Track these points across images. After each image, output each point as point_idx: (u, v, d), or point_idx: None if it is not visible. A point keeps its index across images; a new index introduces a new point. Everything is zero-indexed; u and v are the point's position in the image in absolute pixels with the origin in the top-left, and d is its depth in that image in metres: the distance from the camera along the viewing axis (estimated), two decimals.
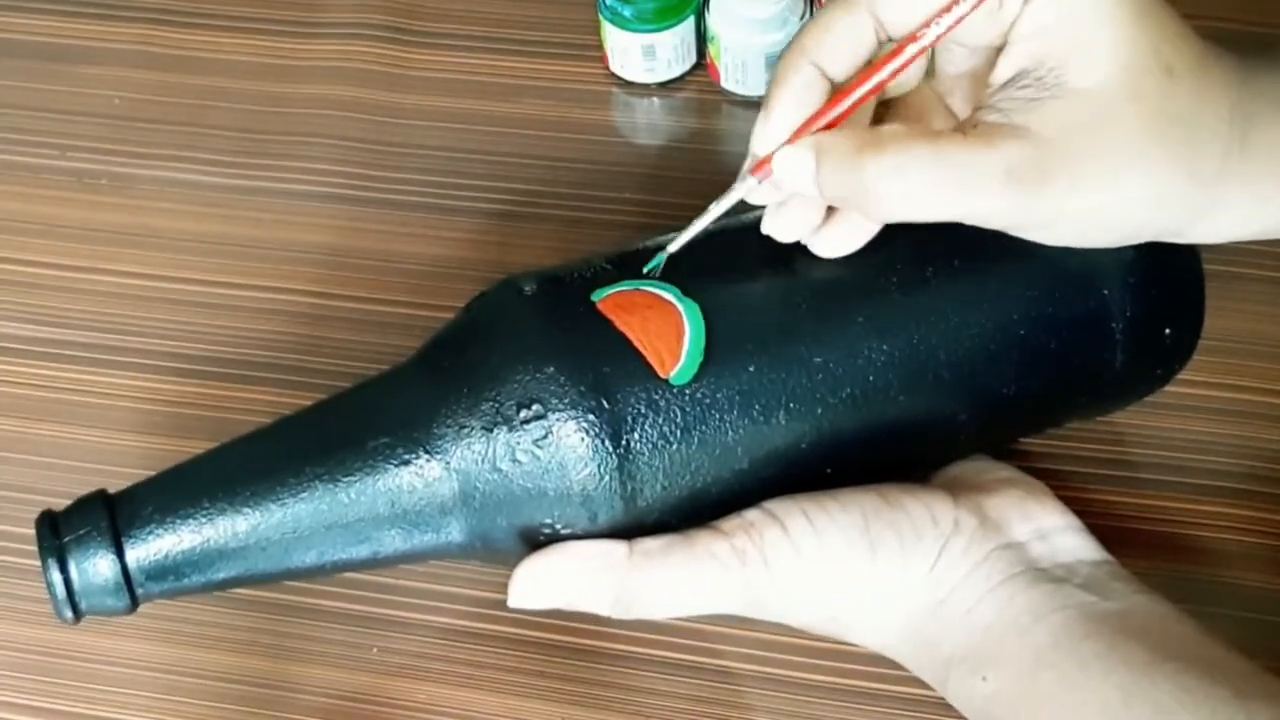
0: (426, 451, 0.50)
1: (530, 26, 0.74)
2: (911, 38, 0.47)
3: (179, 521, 0.49)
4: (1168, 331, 0.54)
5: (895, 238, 0.50)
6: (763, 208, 0.51)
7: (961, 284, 0.52)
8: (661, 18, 0.69)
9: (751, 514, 0.50)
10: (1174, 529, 0.58)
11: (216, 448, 0.52)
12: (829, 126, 0.48)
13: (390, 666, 0.57)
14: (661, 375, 0.49)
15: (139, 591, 0.50)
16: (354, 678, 0.57)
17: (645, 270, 0.51)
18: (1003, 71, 0.47)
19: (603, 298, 0.51)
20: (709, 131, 0.72)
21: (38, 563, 0.49)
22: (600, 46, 0.72)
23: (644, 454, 0.49)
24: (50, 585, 0.49)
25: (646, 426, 0.49)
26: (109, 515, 0.49)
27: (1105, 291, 0.52)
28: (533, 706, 0.56)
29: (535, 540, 0.50)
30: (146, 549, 0.49)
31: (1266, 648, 0.52)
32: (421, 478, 0.50)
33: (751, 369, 0.50)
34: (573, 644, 0.57)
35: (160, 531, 0.49)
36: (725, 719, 0.55)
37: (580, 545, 0.50)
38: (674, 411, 0.49)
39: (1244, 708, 0.45)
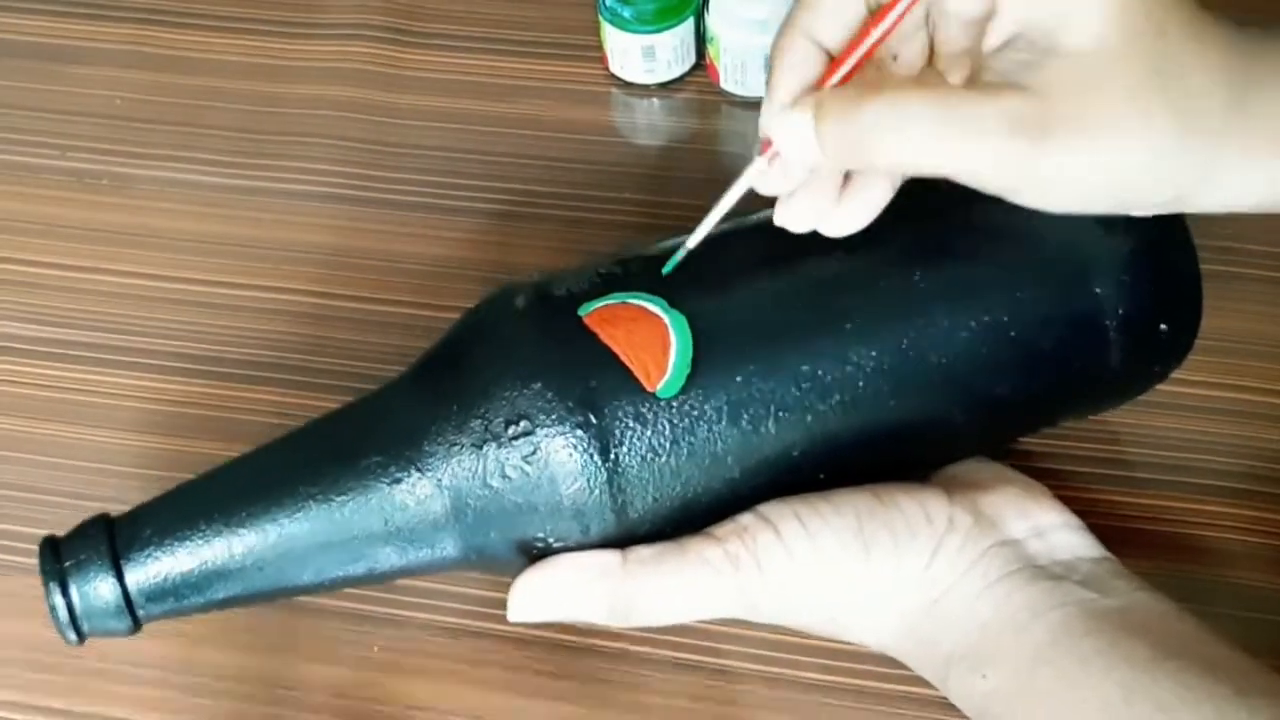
0: (418, 469, 0.50)
1: (530, 27, 0.74)
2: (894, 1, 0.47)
3: (177, 544, 0.50)
4: (1163, 328, 0.54)
5: (883, 242, 0.50)
6: (750, 214, 0.51)
7: (951, 286, 0.52)
8: (661, 19, 0.69)
9: (744, 518, 0.50)
10: (1174, 529, 0.58)
11: (213, 469, 0.52)
12: None
13: (392, 665, 0.57)
14: (648, 388, 0.49)
15: (140, 613, 0.50)
16: (356, 676, 0.57)
17: (664, 271, 0.51)
18: (995, 37, 0.46)
19: (589, 312, 0.51)
20: (708, 132, 0.72)
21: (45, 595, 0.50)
22: (600, 47, 0.72)
23: (633, 467, 0.49)
24: (53, 609, 0.50)
25: (634, 440, 0.49)
26: (109, 539, 0.50)
27: (1098, 290, 0.52)
28: (534, 704, 0.56)
29: (529, 553, 0.51)
30: (146, 572, 0.50)
31: (1268, 647, 0.52)
32: (414, 495, 0.50)
33: (739, 379, 0.50)
34: (574, 642, 0.57)
35: (159, 554, 0.50)
36: (724, 716, 0.55)
37: (574, 557, 0.50)
38: (662, 424, 0.50)
39: (1245, 705, 0.45)
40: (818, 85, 0.48)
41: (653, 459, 0.50)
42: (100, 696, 0.57)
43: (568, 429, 0.49)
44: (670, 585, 0.50)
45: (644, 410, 0.49)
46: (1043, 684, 0.48)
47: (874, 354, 0.51)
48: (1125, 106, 0.45)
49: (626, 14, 0.69)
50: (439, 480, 0.50)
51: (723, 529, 0.50)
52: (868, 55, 0.47)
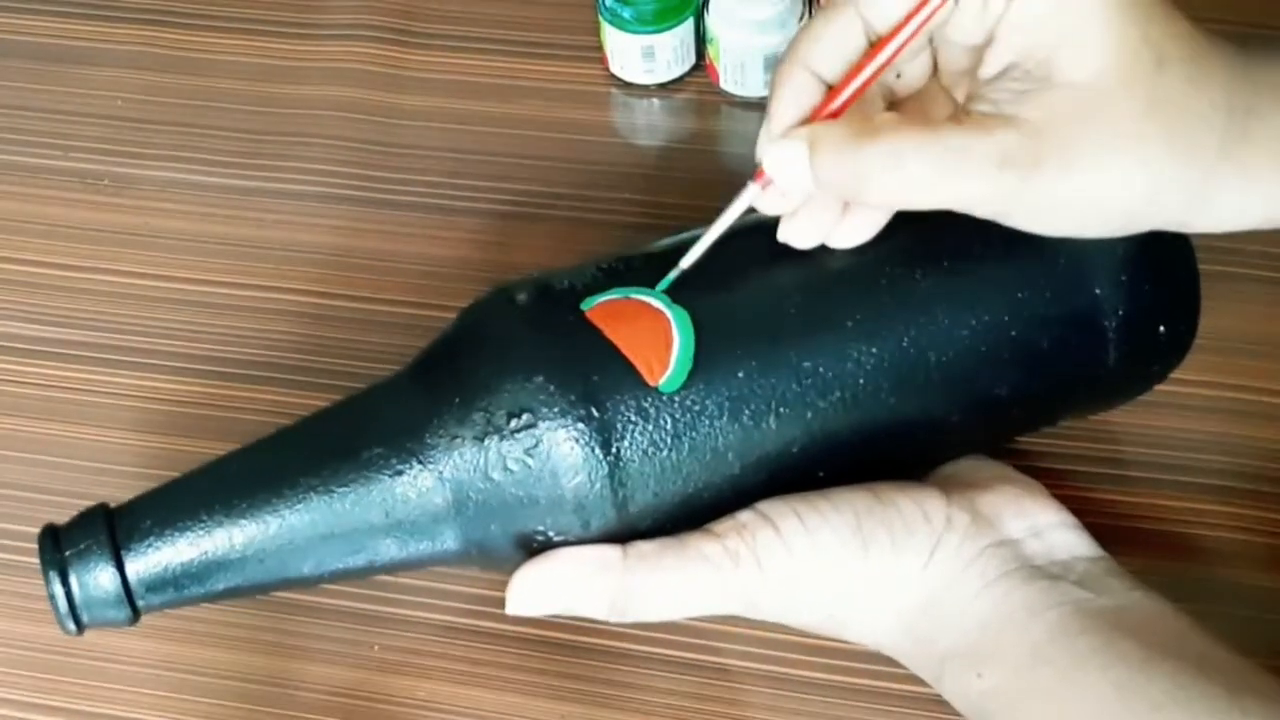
0: (419, 461, 0.50)
1: (530, 28, 0.75)
2: (893, 33, 0.47)
3: (177, 534, 0.50)
4: (1162, 329, 0.54)
5: (884, 240, 0.50)
6: (753, 213, 0.51)
7: (952, 285, 0.52)
8: (661, 19, 0.69)
9: (744, 515, 0.51)
10: (1172, 528, 0.58)
11: (214, 460, 0.52)
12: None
13: (391, 663, 0.57)
14: (651, 383, 0.50)
15: (140, 603, 0.50)
16: (355, 674, 0.57)
17: (659, 288, 0.51)
18: (991, 65, 0.47)
19: (592, 306, 0.51)
20: (708, 132, 0.72)
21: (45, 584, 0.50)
22: (600, 48, 0.72)
23: (634, 461, 0.50)
24: (53, 598, 0.50)
25: (636, 434, 0.49)
26: (109, 529, 0.50)
27: (1097, 290, 0.52)
28: (532, 703, 0.56)
29: (529, 547, 0.51)
30: (146, 562, 0.50)
31: (1264, 646, 0.52)
32: (415, 487, 0.50)
33: (741, 375, 0.50)
34: (573, 641, 0.57)
35: (159, 544, 0.50)
36: (724, 716, 0.56)
37: (574, 551, 0.50)
38: (664, 419, 0.50)
39: (1238, 704, 0.45)
40: (814, 115, 0.48)
41: (654, 453, 0.50)
42: (100, 696, 0.57)
43: (570, 422, 0.49)
44: (670, 581, 0.50)
45: (646, 405, 0.50)
46: (1039, 683, 0.48)
47: (875, 351, 0.51)
48: (1117, 138, 0.45)
49: (626, 14, 0.69)
50: (440, 472, 0.50)
51: (722, 525, 0.50)
52: (864, 87, 0.48)
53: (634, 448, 0.49)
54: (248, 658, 0.57)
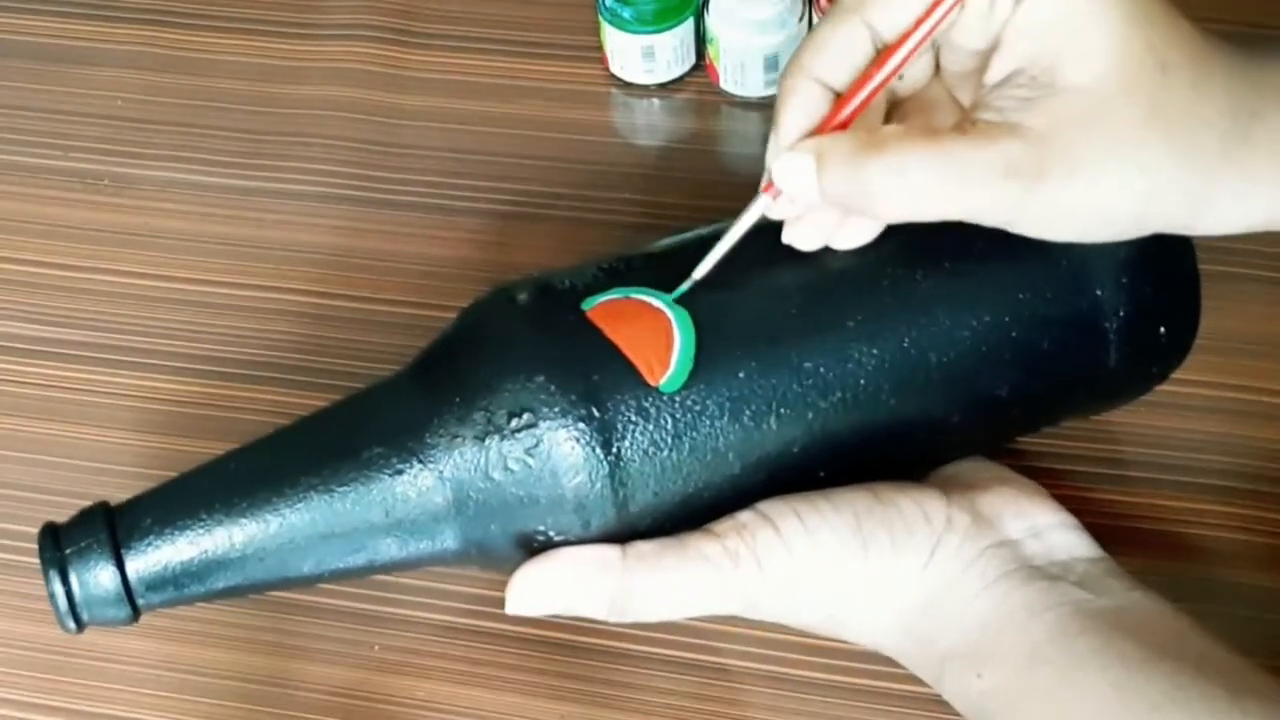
0: (420, 461, 0.50)
1: (530, 28, 0.75)
2: (900, 42, 0.47)
3: (178, 533, 0.50)
4: (1162, 330, 0.54)
5: (885, 241, 0.50)
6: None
7: (952, 285, 0.52)
8: (661, 19, 0.69)
9: (744, 515, 0.51)
10: (1172, 528, 0.58)
11: (215, 459, 0.52)
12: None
13: (391, 663, 0.57)
14: (651, 383, 0.50)
15: (140, 602, 0.50)
16: (355, 674, 0.57)
17: (671, 298, 0.51)
18: (996, 71, 0.47)
19: (593, 306, 0.51)
20: (708, 132, 0.72)
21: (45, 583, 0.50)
22: (600, 48, 0.72)
23: (635, 461, 0.50)
24: (53, 597, 0.50)
25: (637, 434, 0.49)
26: (109, 527, 0.50)
27: (1098, 291, 0.52)
28: (532, 703, 0.56)
29: (529, 547, 0.51)
30: (146, 560, 0.50)
31: (1264, 646, 0.52)
32: (415, 487, 0.50)
33: (741, 375, 0.50)
34: (573, 641, 0.57)
35: (159, 543, 0.50)
36: (724, 716, 0.56)
37: (574, 551, 0.50)
38: (664, 419, 0.50)
39: (1237, 704, 0.45)
40: (823, 125, 0.48)
41: (654, 453, 0.50)
42: (100, 696, 0.57)
43: (570, 422, 0.49)
44: (670, 581, 0.50)
45: (646, 405, 0.50)
46: (1039, 683, 0.48)
47: (875, 352, 0.51)
48: (1120, 144, 0.46)
49: (626, 14, 0.69)
50: (441, 472, 0.50)
51: (722, 525, 0.50)
52: (871, 97, 0.48)
53: (634, 447, 0.49)
54: (248, 658, 0.57)
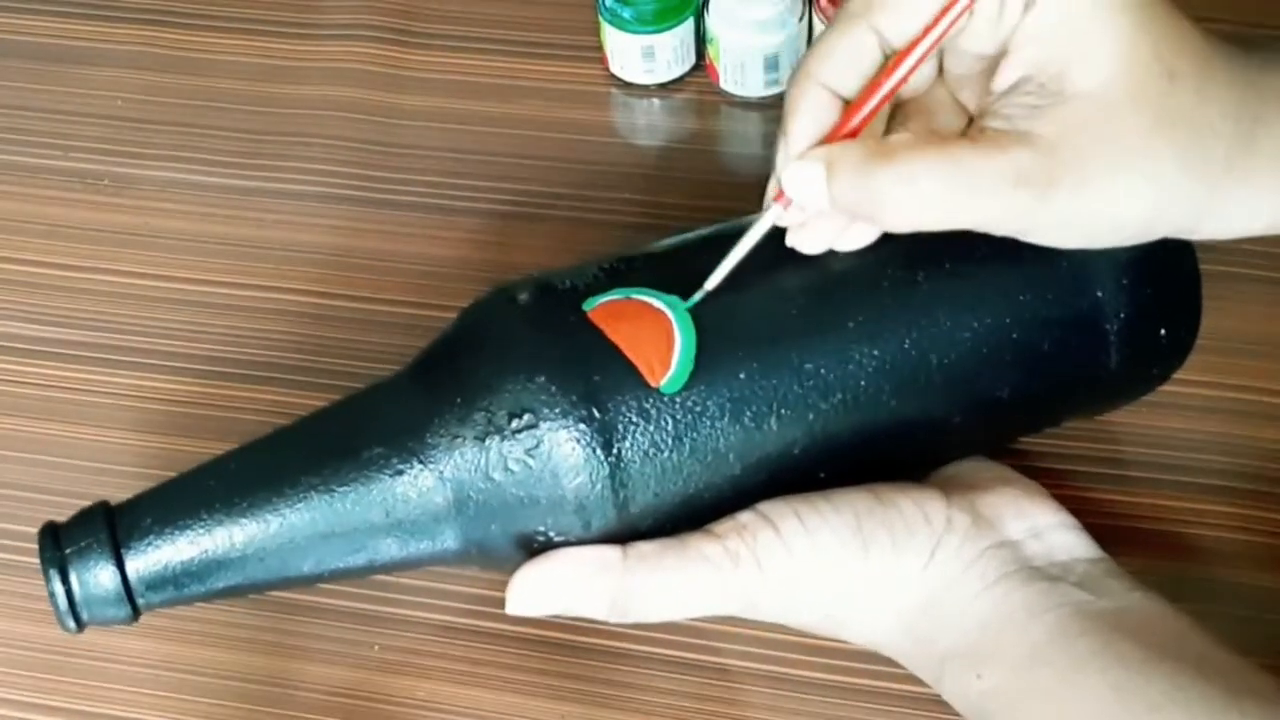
0: (420, 461, 0.50)
1: (530, 28, 0.75)
2: (910, 48, 0.47)
3: (178, 533, 0.50)
4: (1163, 332, 0.54)
5: (886, 243, 0.50)
6: (757, 215, 0.51)
7: (953, 287, 0.52)
8: (661, 19, 0.69)
9: (744, 516, 0.51)
10: (1172, 528, 0.58)
11: (215, 458, 0.52)
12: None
13: (391, 663, 0.57)
14: (652, 384, 0.50)
15: (140, 601, 0.50)
16: (355, 675, 0.57)
17: (686, 307, 0.51)
18: (1005, 78, 0.47)
19: (594, 306, 0.51)
20: (708, 132, 0.72)
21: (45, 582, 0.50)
22: (600, 48, 0.72)
23: (635, 462, 0.49)
24: (53, 596, 0.50)
25: (637, 435, 0.49)
26: (109, 527, 0.50)
27: (1099, 293, 0.52)
28: (532, 703, 0.56)
29: (530, 547, 0.51)
30: (146, 560, 0.50)
31: (1264, 646, 0.52)
32: (415, 487, 0.50)
33: (742, 376, 0.50)
34: (573, 641, 0.57)
35: (159, 543, 0.50)
36: (724, 716, 0.56)
37: (574, 551, 0.50)
38: (665, 420, 0.50)
39: (1237, 705, 0.45)
40: (833, 133, 0.48)
41: (655, 454, 0.50)
42: (100, 696, 0.57)
43: (571, 423, 0.49)
44: (670, 582, 0.50)
45: (647, 406, 0.50)
46: (1039, 684, 0.48)
47: (876, 353, 0.51)
48: (1129, 152, 0.46)
49: (626, 14, 0.69)
50: (441, 472, 0.50)
51: (722, 526, 0.50)
52: (881, 104, 0.48)
53: (635, 448, 0.49)
54: (248, 658, 0.57)
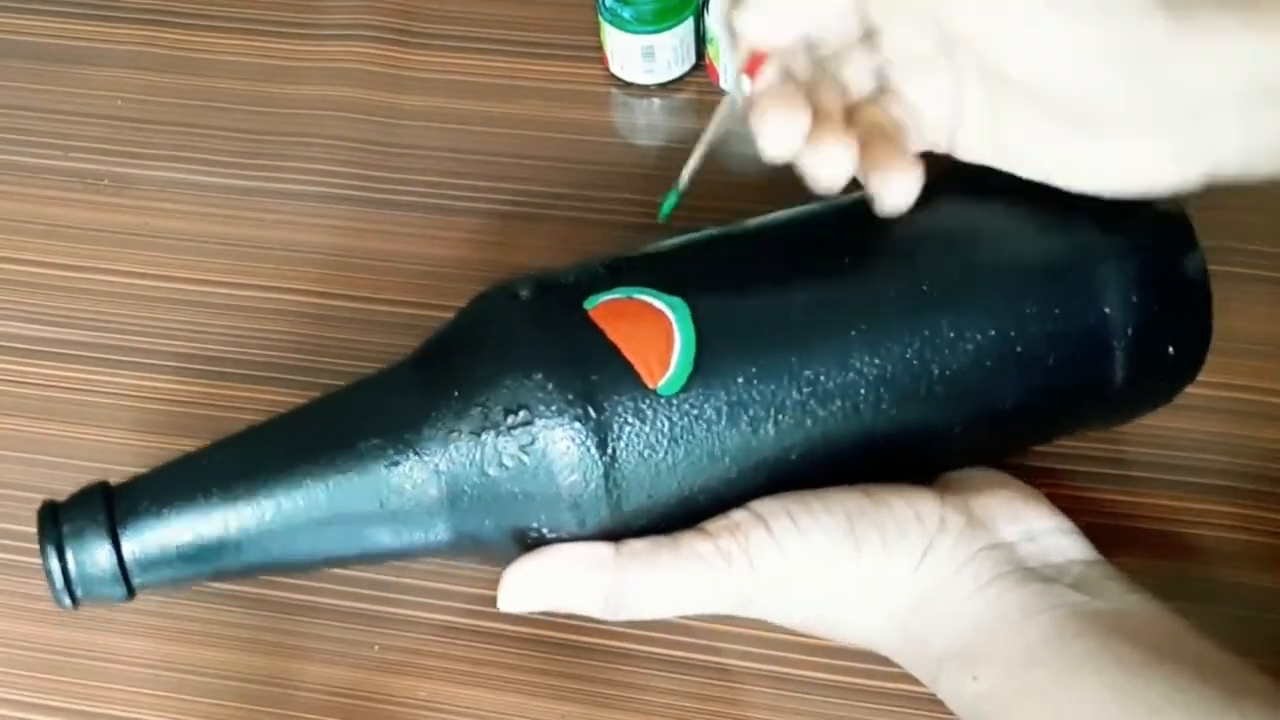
0: (415, 454, 0.50)
1: (530, 28, 0.75)
2: None
3: (173, 515, 0.50)
4: (1171, 350, 0.53)
5: (893, 251, 0.50)
6: (761, 217, 0.51)
7: (958, 299, 0.52)
8: (661, 19, 0.69)
9: (737, 515, 0.51)
10: (1173, 528, 0.58)
11: (214, 443, 0.52)
12: None
13: (391, 663, 0.57)
14: (650, 385, 0.50)
15: (135, 581, 0.50)
16: (355, 675, 0.57)
17: (660, 218, 0.51)
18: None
19: (595, 305, 0.51)
20: None
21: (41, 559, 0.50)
22: (600, 48, 0.72)
23: (630, 462, 0.50)
24: (49, 573, 0.50)
25: (633, 435, 0.49)
26: (107, 507, 0.50)
27: (1106, 309, 0.52)
28: (532, 703, 0.56)
29: (523, 542, 0.51)
30: (142, 541, 0.50)
31: (1264, 646, 0.52)
32: (410, 479, 0.50)
33: (740, 380, 0.50)
34: (573, 641, 0.57)
35: (155, 524, 0.50)
36: (724, 716, 0.56)
37: (567, 548, 0.50)
38: (661, 421, 0.50)
39: (1236, 706, 0.45)
40: None
41: (650, 455, 0.50)
42: (100, 696, 0.57)
43: (567, 421, 0.49)
44: (662, 579, 0.50)
45: (644, 407, 0.49)
46: (1034, 685, 0.48)
47: (877, 362, 0.51)
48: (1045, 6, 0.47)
49: (626, 14, 0.69)
50: (436, 466, 0.50)
51: (715, 524, 0.51)
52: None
53: (630, 449, 0.49)
54: (248, 658, 0.57)
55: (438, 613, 0.58)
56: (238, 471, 0.51)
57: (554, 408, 0.49)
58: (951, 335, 0.51)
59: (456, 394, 0.50)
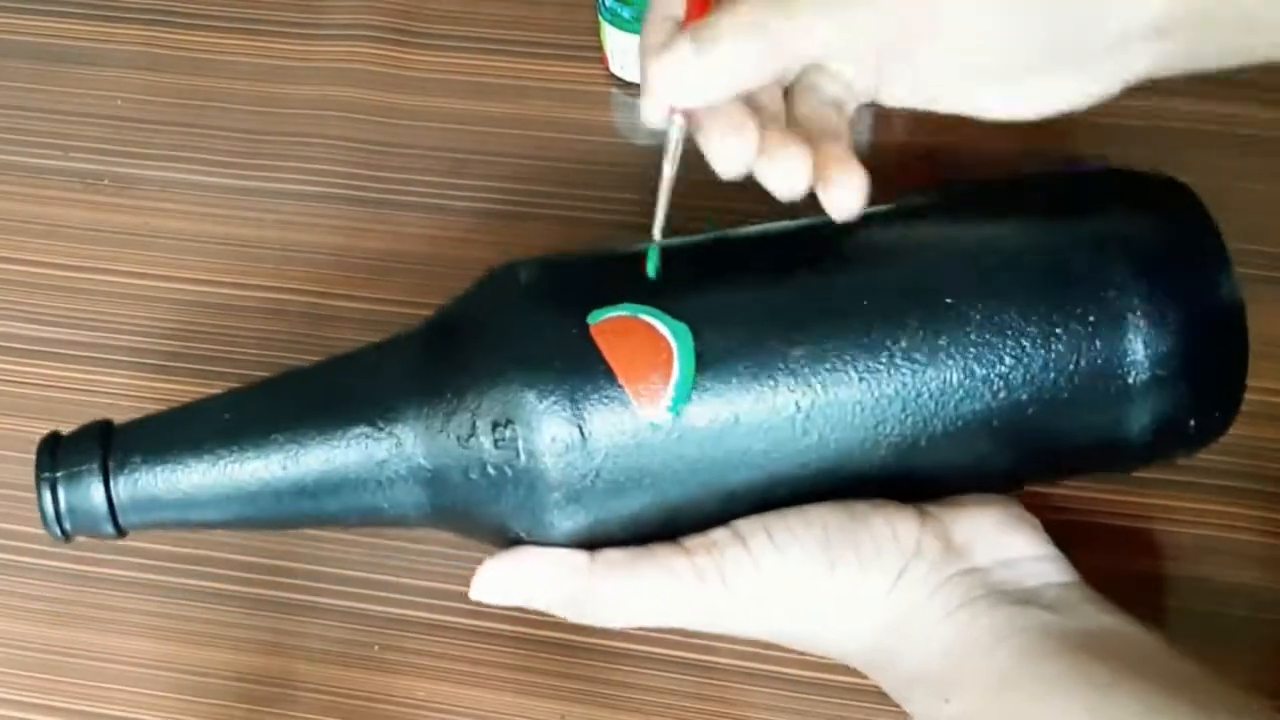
0: (403, 451, 0.51)
1: (530, 27, 0.75)
2: None
3: (163, 463, 0.52)
4: (1193, 423, 0.52)
5: (905, 294, 0.50)
6: (775, 237, 0.51)
7: (972, 353, 0.50)
8: None
9: (716, 533, 0.51)
10: (1174, 528, 0.58)
11: (214, 396, 0.54)
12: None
13: (391, 664, 0.57)
14: (640, 413, 0.49)
15: (122, 520, 0.52)
16: (355, 675, 0.57)
17: (651, 274, 0.51)
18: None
19: (598, 321, 0.50)
20: None
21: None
22: (600, 47, 0.72)
23: (616, 485, 0.50)
24: (41, 505, 0.52)
25: (620, 459, 0.49)
26: (103, 448, 0.52)
27: (1129, 379, 0.51)
28: (532, 703, 0.56)
29: (503, 537, 0.52)
30: (132, 483, 0.52)
31: (1264, 646, 0.52)
32: (394, 467, 0.51)
33: (735, 417, 0.50)
34: (571, 641, 0.57)
35: (145, 469, 0.52)
36: (724, 716, 0.56)
37: (545, 551, 0.51)
38: (649, 449, 0.50)
39: None
40: (686, 19, 0.51)
41: (638, 478, 0.50)
42: (100, 696, 0.57)
43: (554, 440, 0.49)
44: (633, 589, 0.51)
45: (634, 433, 0.49)
46: (1008, 707, 0.47)
47: (878, 411, 0.50)
48: None
49: (626, 14, 0.69)
50: (421, 464, 0.51)
51: (694, 541, 0.51)
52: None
53: (617, 472, 0.50)
54: (248, 658, 0.57)
55: (438, 613, 0.58)
56: (227, 427, 0.52)
57: (542, 425, 0.49)
58: (962, 392, 0.50)
59: (449, 395, 0.50)
